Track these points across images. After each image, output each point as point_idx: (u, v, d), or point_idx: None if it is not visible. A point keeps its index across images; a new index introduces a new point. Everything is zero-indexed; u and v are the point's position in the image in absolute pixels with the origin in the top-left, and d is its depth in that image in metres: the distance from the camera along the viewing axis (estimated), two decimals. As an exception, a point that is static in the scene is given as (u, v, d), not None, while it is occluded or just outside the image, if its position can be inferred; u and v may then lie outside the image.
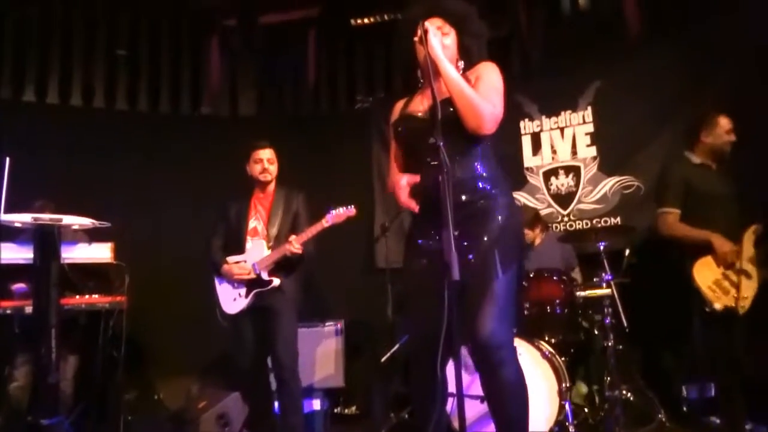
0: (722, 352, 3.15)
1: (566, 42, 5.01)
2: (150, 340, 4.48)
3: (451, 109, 2.00)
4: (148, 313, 4.19)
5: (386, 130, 2.31)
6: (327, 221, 3.28)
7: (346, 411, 4.38)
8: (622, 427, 3.23)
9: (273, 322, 3.31)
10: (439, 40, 2.04)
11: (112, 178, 4.74)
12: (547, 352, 3.25)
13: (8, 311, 3.37)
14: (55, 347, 2.97)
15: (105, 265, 3.66)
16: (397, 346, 3.95)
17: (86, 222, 3.19)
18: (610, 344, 3.38)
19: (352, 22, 5.35)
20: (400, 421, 3.74)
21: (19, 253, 3.24)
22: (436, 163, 1.83)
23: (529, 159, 4.76)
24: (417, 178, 2.06)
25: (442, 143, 1.81)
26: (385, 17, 5.25)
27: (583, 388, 3.65)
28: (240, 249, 3.44)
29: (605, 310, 3.43)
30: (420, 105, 2.15)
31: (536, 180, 4.72)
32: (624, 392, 3.37)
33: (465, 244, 1.95)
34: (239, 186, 3.60)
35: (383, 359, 4.02)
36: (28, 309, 3.30)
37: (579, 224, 4.51)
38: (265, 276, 3.35)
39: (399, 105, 2.28)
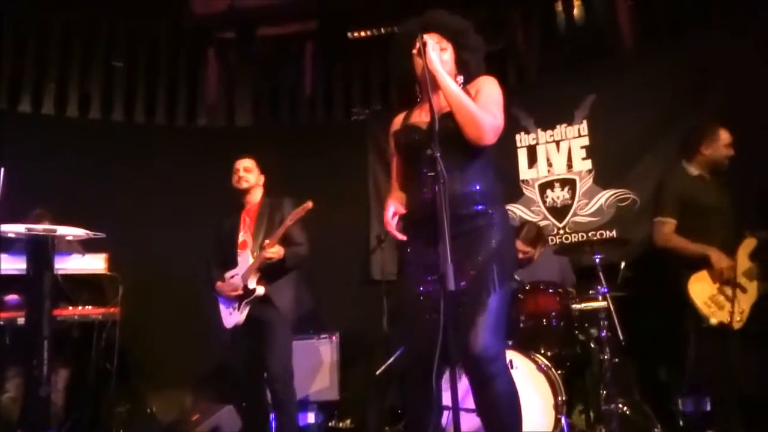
0: (718, 367, 3.15)
1: (561, 56, 5.05)
2: (143, 352, 4.44)
3: (451, 124, 2.00)
4: (141, 325, 4.16)
5: (383, 143, 2.32)
6: (290, 219, 3.31)
7: (341, 424, 4.34)
8: (618, 441, 3.21)
9: (266, 335, 3.31)
10: (438, 54, 2.05)
11: (108, 189, 4.73)
12: (543, 365, 3.23)
13: (1, 322, 3.35)
14: (48, 359, 2.95)
15: (99, 276, 3.64)
16: (392, 359, 3.93)
17: (81, 233, 3.18)
18: (606, 357, 3.37)
19: (349, 35, 5.38)
20: (395, 435, 3.71)
21: (11, 264, 3.22)
22: (433, 174, 1.83)
23: (525, 172, 4.77)
24: (402, 209, 2.11)
25: (439, 155, 1.81)
26: (382, 31, 5.28)
27: (580, 403, 3.63)
28: (234, 263, 3.46)
29: (601, 323, 3.42)
30: (419, 117, 2.16)
31: (532, 193, 4.73)
32: (620, 406, 3.36)
33: (460, 261, 1.95)
34: (235, 198, 3.61)
35: (378, 372, 4.00)
36: (21, 320, 3.27)
37: (575, 237, 4.51)
38: (251, 285, 3.35)
39: (399, 117, 2.29)
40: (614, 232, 4.37)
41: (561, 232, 4.59)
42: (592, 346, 3.61)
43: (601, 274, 3.49)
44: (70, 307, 3.56)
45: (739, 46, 4.02)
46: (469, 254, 1.99)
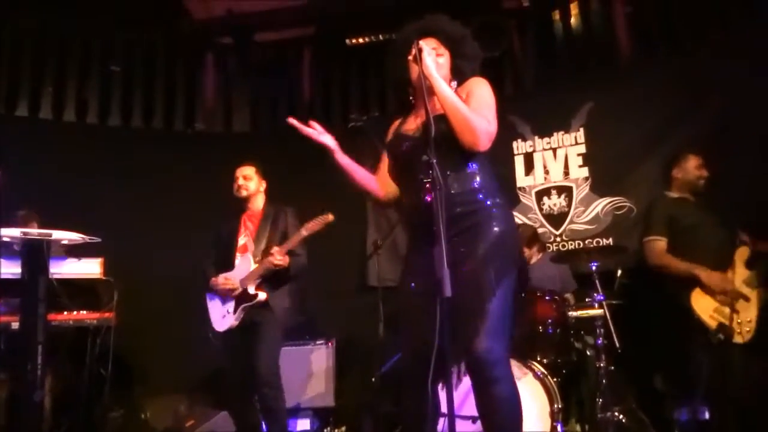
0: (720, 376, 3.14)
1: (559, 64, 5.08)
2: (138, 357, 4.42)
3: (445, 126, 2.00)
4: (136, 330, 4.15)
5: (380, 149, 2.33)
6: (306, 230, 3.30)
7: (336, 431, 4.32)
8: (614, 449, 3.20)
9: (255, 337, 3.29)
10: (433, 59, 2.06)
11: (104, 194, 4.72)
12: (539, 373, 3.23)
13: (-5, 327, 3.33)
14: (42, 364, 2.93)
15: (94, 280, 3.63)
16: (388, 366, 3.92)
17: (76, 237, 3.17)
18: (602, 365, 3.37)
19: (347, 41, 5.40)
20: (391, 442, 3.69)
21: (5, 268, 3.20)
22: (429, 180, 1.83)
23: (521, 179, 4.78)
24: (353, 168, 2.21)
25: (435, 160, 1.81)
26: (380, 37, 5.30)
27: (576, 410, 3.62)
28: (230, 266, 3.44)
29: (597, 330, 3.42)
30: (413, 124, 2.17)
31: (529, 200, 4.73)
32: (616, 414, 3.34)
33: (461, 250, 1.94)
34: (232, 203, 3.60)
35: (374, 378, 3.98)
36: (15, 325, 3.26)
37: (571, 244, 4.52)
38: (251, 290, 3.34)
39: (394, 125, 2.29)
40: (611, 240, 4.38)
41: (558, 239, 4.59)
42: (588, 353, 3.61)
43: (597, 281, 3.49)
44: (65, 312, 3.54)
45: (735, 57, 4.04)
46: (469, 248, 1.98)
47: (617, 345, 3.39)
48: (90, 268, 3.57)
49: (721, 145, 3.92)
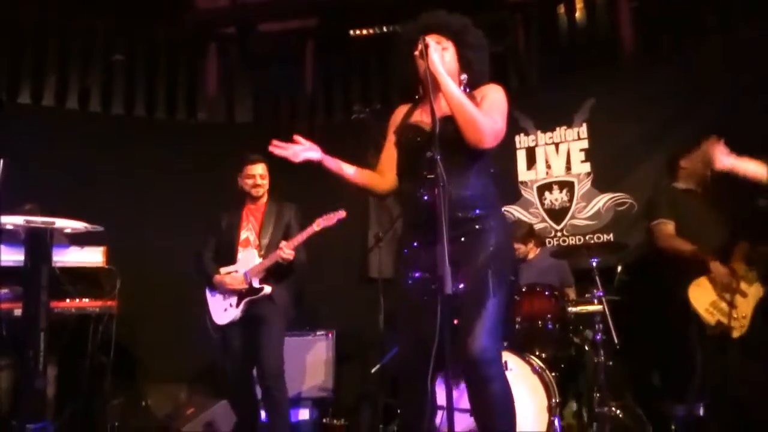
0: (716, 373, 3.17)
1: (562, 59, 5.06)
2: (139, 345, 4.44)
3: (451, 127, 2.01)
4: (138, 319, 4.17)
5: (382, 142, 2.33)
6: (318, 225, 3.31)
7: (335, 421, 4.34)
8: (610, 444, 3.23)
9: (260, 330, 3.31)
10: (440, 55, 2.06)
11: (107, 182, 4.72)
12: (537, 367, 3.25)
13: (-3, 314, 3.35)
14: (44, 351, 2.95)
15: (96, 269, 3.65)
16: (387, 358, 3.94)
17: (79, 225, 3.18)
18: (600, 360, 3.39)
19: (351, 33, 5.39)
20: (389, 434, 3.72)
21: (8, 255, 3.22)
22: (432, 176, 1.84)
23: (523, 173, 4.78)
24: (344, 171, 2.23)
25: (439, 157, 1.82)
26: (384, 29, 5.29)
27: (574, 405, 3.65)
28: (231, 260, 3.44)
29: (596, 326, 3.44)
30: (420, 117, 2.17)
31: (530, 194, 4.74)
32: (613, 409, 3.37)
33: (458, 263, 1.96)
34: (233, 193, 3.60)
35: (373, 370, 4.01)
36: (17, 312, 3.28)
37: (572, 240, 4.53)
38: (256, 284, 3.34)
39: (401, 111, 2.28)
40: (611, 236, 4.38)
41: (558, 234, 4.60)
42: (587, 348, 3.63)
43: (597, 277, 3.50)
44: (67, 300, 3.55)
45: (736, 57, 4.04)
46: (467, 257, 2.00)
47: (615, 341, 3.42)
48: (93, 256, 3.58)
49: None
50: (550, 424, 3.11)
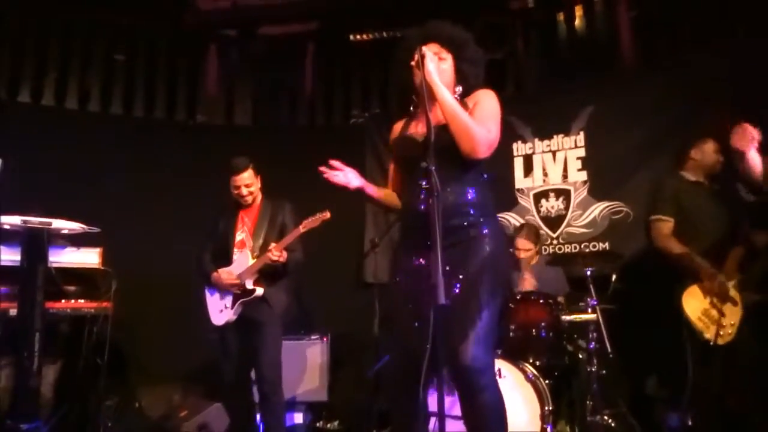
0: (704, 381, 3.18)
1: (561, 66, 5.08)
2: (134, 347, 4.44)
3: (446, 136, 2.02)
4: (133, 320, 4.17)
5: (381, 146, 2.35)
6: (303, 227, 3.31)
7: (329, 426, 4.35)
8: (603, 453, 3.24)
9: (257, 335, 3.32)
10: (436, 65, 2.07)
11: (105, 183, 4.72)
12: (530, 375, 3.26)
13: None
14: (39, 351, 2.96)
15: (92, 270, 3.65)
16: (381, 363, 3.95)
17: (76, 226, 3.19)
18: (593, 369, 3.40)
19: (351, 37, 5.40)
20: (383, 439, 3.73)
21: (5, 255, 3.22)
22: (427, 186, 1.85)
23: (520, 180, 4.80)
24: (375, 193, 2.26)
25: (434, 167, 1.83)
26: (384, 34, 5.30)
27: (566, 415, 3.66)
28: (227, 261, 3.46)
29: (590, 334, 3.45)
30: (416, 128, 2.18)
31: (527, 202, 4.75)
32: (606, 418, 3.38)
33: (452, 270, 1.97)
34: (229, 197, 3.61)
35: (368, 375, 4.02)
36: (13, 311, 3.28)
37: (568, 248, 4.54)
38: (249, 285, 3.36)
39: (399, 125, 2.31)
40: (607, 245, 4.40)
41: (554, 242, 4.62)
42: (581, 357, 3.63)
43: (591, 286, 3.52)
44: (63, 300, 3.56)
45: (737, 66, 4.05)
46: (461, 264, 2.01)
47: (609, 349, 3.43)
48: (89, 257, 3.59)
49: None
50: (543, 431, 3.12)
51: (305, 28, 5.59)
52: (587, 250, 4.39)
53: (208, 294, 3.51)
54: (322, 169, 2.22)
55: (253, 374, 3.42)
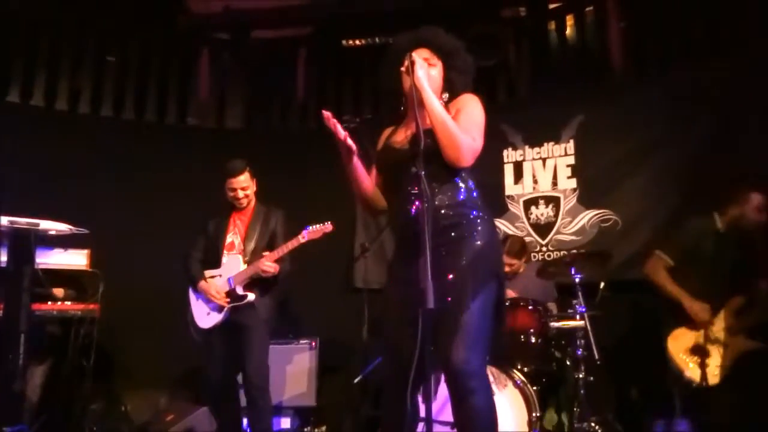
0: (695, 396, 3.21)
1: (552, 75, 5.12)
2: (121, 350, 4.41)
3: (433, 141, 2.03)
4: (121, 323, 4.14)
5: (372, 152, 2.35)
6: (303, 237, 3.32)
7: (316, 431, 4.34)
8: (589, 459, 3.25)
9: (245, 339, 3.30)
10: (426, 72, 2.08)
11: (94, 184, 4.70)
12: (519, 381, 3.26)
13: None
14: (23, 353, 2.92)
15: (80, 272, 3.63)
16: (370, 368, 3.94)
17: (64, 228, 3.16)
18: (581, 376, 3.41)
19: (344, 43, 5.42)
20: (370, 444, 3.72)
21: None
22: (416, 191, 1.85)
23: (510, 187, 4.82)
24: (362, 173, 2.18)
25: (423, 173, 1.84)
26: (376, 40, 5.32)
27: (554, 417, 3.67)
28: (217, 263, 3.45)
29: (578, 341, 3.46)
30: (403, 134, 2.19)
31: (517, 208, 4.78)
32: (592, 424, 3.39)
33: (444, 261, 1.96)
34: (222, 198, 3.60)
35: (356, 380, 4.01)
36: None
37: (557, 254, 4.56)
38: (239, 291, 3.34)
39: (385, 133, 2.31)
40: (595, 252, 4.42)
41: (544, 249, 4.64)
42: (568, 363, 3.64)
43: (580, 293, 3.53)
44: (49, 302, 3.53)
45: (726, 77, 4.10)
46: (451, 262, 2.00)
47: (596, 356, 3.44)
48: (77, 259, 3.56)
49: (709, 164, 3.99)
50: (530, 437, 3.13)
51: (298, 33, 5.60)
52: (576, 254, 4.41)
53: (193, 296, 3.48)
54: (326, 112, 2.12)
55: (240, 378, 3.40)
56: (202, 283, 3.41)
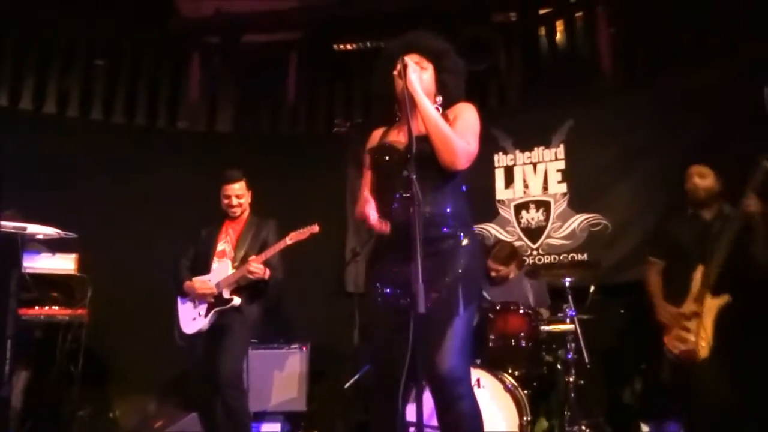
0: (686, 395, 3.22)
1: (543, 80, 5.15)
2: (109, 355, 4.37)
3: (427, 147, 2.04)
4: (108, 329, 4.10)
5: (362, 156, 2.34)
6: (290, 239, 3.31)
7: (307, 436, 4.32)
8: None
9: (223, 339, 3.28)
10: (418, 75, 2.09)
11: (82, 188, 4.65)
12: (509, 385, 3.27)
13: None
14: (10, 359, 2.89)
15: (68, 276, 3.59)
16: (360, 373, 3.93)
17: (51, 232, 3.13)
18: (571, 379, 3.42)
19: (335, 47, 5.42)
20: (361, 449, 3.71)
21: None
22: (408, 195, 1.85)
23: (501, 192, 4.83)
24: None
25: (415, 176, 1.84)
26: (368, 45, 5.33)
27: (545, 423, 3.67)
28: (207, 269, 3.44)
29: (568, 345, 3.48)
30: (396, 137, 2.19)
31: (507, 213, 4.79)
32: (583, 428, 3.40)
33: (428, 281, 1.97)
34: (212, 202, 3.59)
35: (347, 385, 3.99)
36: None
37: (547, 258, 4.58)
38: (226, 294, 3.33)
39: (377, 133, 2.31)
40: (585, 256, 4.44)
41: (534, 253, 4.65)
42: (559, 367, 3.66)
43: (570, 296, 3.55)
44: (36, 307, 3.49)
45: (714, 83, 4.13)
46: (436, 275, 2.01)
47: (587, 359, 3.46)
48: (65, 263, 3.53)
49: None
50: (521, 442, 3.13)
51: (289, 37, 5.60)
52: (566, 261, 4.43)
53: (180, 301, 3.47)
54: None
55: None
56: (187, 283, 3.39)
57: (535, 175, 4.77)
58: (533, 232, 4.69)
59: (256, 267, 3.28)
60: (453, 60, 2.22)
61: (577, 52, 5.11)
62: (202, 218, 3.64)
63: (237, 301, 3.33)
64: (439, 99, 2.21)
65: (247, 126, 5.67)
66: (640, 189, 4.35)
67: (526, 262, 4.57)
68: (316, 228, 3.30)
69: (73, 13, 5.17)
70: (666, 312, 3.32)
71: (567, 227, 4.58)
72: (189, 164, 4.94)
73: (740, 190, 3.20)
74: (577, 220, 4.55)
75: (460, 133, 2.08)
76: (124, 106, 5.31)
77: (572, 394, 3.40)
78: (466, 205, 2.17)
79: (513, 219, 4.76)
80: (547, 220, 4.66)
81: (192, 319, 3.38)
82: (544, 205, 4.69)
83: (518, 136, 4.85)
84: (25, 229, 3.00)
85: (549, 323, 3.63)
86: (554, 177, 4.69)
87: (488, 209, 4.74)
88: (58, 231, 3.14)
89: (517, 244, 4.65)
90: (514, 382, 3.30)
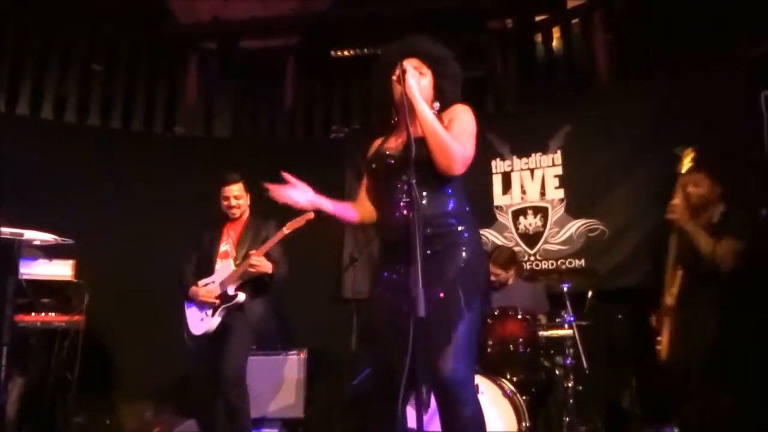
0: (683, 398, 3.24)
1: (539, 86, 5.17)
2: (106, 362, 4.35)
3: (425, 149, 2.04)
4: (105, 335, 4.09)
5: (360, 162, 2.35)
6: (288, 228, 3.30)
7: (304, 442, 4.30)
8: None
9: (226, 338, 3.29)
10: (417, 80, 2.09)
11: (79, 194, 4.63)
12: (508, 391, 3.26)
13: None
14: (5, 366, 2.87)
15: (65, 282, 3.58)
16: (358, 379, 3.92)
17: (48, 238, 3.13)
18: (570, 385, 3.42)
19: (333, 53, 5.44)
20: (359, 456, 3.69)
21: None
22: (407, 200, 1.85)
23: (499, 198, 4.84)
24: (348, 215, 2.22)
25: (414, 181, 1.84)
26: (365, 51, 5.35)
27: (543, 431, 3.67)
28: (210, 271, 3.46)
29: (567, 351, 3.48)
30: (394, 143, 2.20)
31: (505, 219, 4.80)
32: (582, 433, 3.40)
33: (430, 281, 1.96)
34: (209, 208, 3.59)
35: (344, 391, 3.98)
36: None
37: (545, 264, 4.58)
38: (231, 291, 3.35)
39: (376, 143, 2.32)
40: (582, 261, 4.45)
41: (532, 258, 4.66)
42: (557, 372, 3.65)
43: (568, 302, 3.55)
44: (33, 313, 3.47)
45: (710, 87, 4.15)
46: (439, 272, 2.00)
47: (585, 365, 3.45)
48: (61, 269, 3.52)
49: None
50: (520, 448, 3.12)
51: (286, 43, 5.62)
52: (564, 267, 4.44)
53: (186, 305, 3.48)
54: (268, 185, 2.19)
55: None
56: (192, 289, 3.42)
57: (533, 181, 4.77)
58: (531, 238, 4.69)
59: (257, 260, 3.29)
60: (452, 66, 2.22)
61: (573, 58, 5.13)
62: (201, 223, 3.64)
63: (242, 297, 3.35)
64: (437, 105, 2.21)
65: (245, 131, 5.68)
66: (637, 194, 4.35)
67: (525, 268, 4.58)
68: (311, 214, 3.30)
69: (70, 19, 5.17)
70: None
71: (564, 233, 4.59)
72: (186, 170, 4.93)
73: (739, 192, 3.24)
74: (575, 226, 4.55)
75: (456, 136, 2.07)
76: (121, 111, 5.31)
77: (571, 400, 3.40)
78: (467, 204, 2.16)
79: (511, 225, 4.77)
80: (544, 225, 4.67)
81: (200, 320, 3.39)
82: (541, 211, 4.70)
83: (515, 142, 4.86)
84: (22, 235, 2.99)
85: (547, 329, 3.63)
86: (551, 183, 4.70)
87: (486, 215, 4.74)
88: (55, 237, 3.14)
89: (515, 249, 4.65)
90: (513, 388, 3.30)
